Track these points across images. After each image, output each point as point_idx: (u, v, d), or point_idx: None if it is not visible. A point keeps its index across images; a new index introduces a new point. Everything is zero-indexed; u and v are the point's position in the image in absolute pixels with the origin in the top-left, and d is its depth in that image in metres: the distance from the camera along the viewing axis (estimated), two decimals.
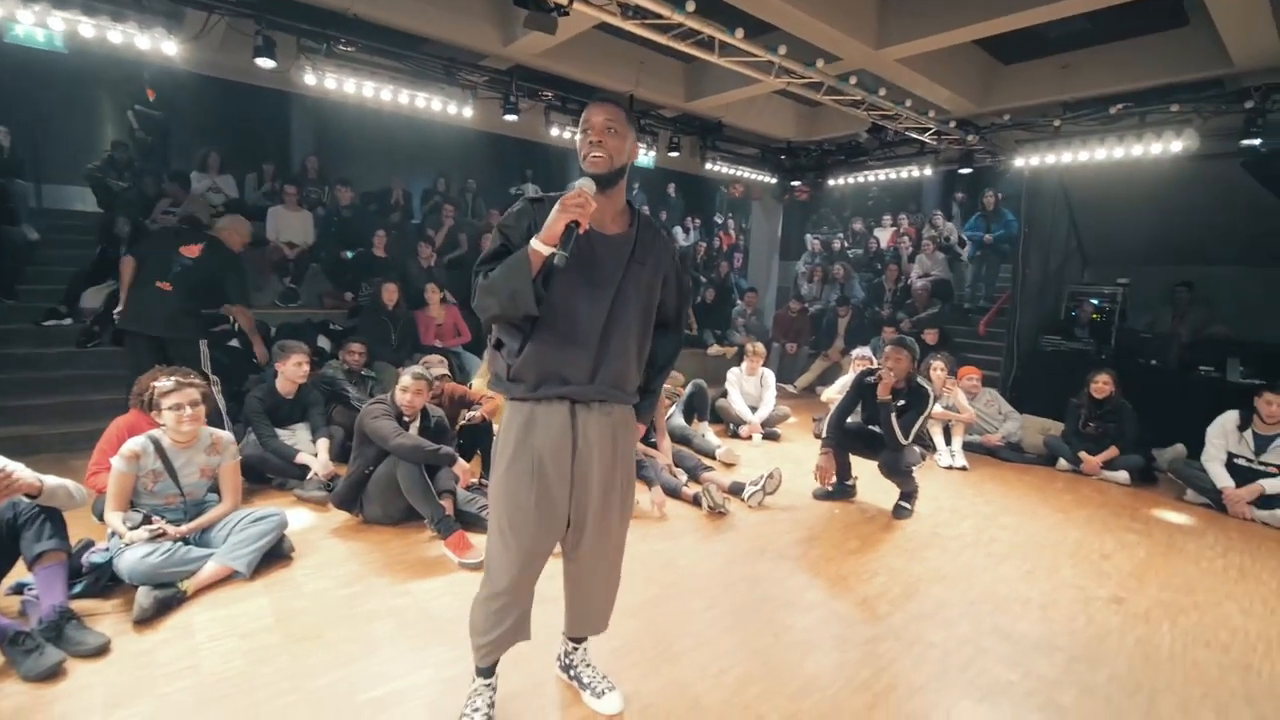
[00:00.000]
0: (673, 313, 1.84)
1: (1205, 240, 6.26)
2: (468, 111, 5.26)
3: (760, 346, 5.75)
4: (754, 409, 5.65)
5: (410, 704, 1.91)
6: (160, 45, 3.94)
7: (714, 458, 4.70)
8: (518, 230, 1.60)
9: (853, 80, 4.89)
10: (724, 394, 5.75)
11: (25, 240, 5.41)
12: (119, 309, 3.87)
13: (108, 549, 2.42)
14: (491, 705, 1.81)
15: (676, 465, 4.17)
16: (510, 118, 5.40)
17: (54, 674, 1.93)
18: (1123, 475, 4.76)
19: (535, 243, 1.50)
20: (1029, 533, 3.65)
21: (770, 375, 5.82)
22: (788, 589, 2.80)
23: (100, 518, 2.63)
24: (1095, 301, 6.53)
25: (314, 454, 3.62)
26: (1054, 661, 2.32)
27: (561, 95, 5.76)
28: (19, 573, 2.26)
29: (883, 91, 5.09)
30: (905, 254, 8.77)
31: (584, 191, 1.50)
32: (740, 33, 3.92)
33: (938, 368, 5.18)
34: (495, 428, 3.73)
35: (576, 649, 2.00)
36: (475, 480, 3.48)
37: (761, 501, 3.83)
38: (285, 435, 3.71)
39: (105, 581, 2.39)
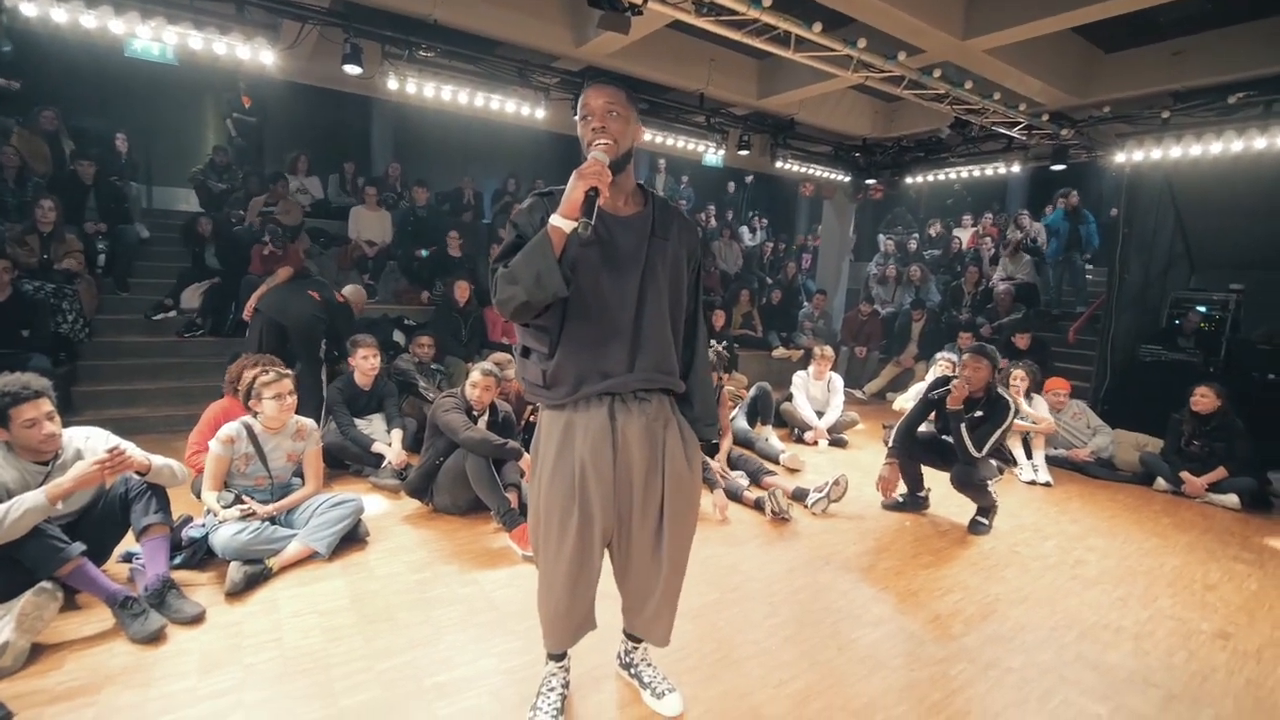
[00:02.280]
0: (692, 303, 1.72)
1: None
2: (540, 113, 5.35)
3: (829, 350, 5.58)
4: (820, 414, 5.49)
5: (474, 691, 1.95)
6: (259, 55, 4.21)
7: (777, 462, 4.60)
8: (530, 225, 1.55)
9: (936, 73, 4.66)
10: (789, 398, 5.62)
11: (138, 238, 5.91)
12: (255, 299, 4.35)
13: (204, 525, 2.61)
14: (566, 685, 1.86)
15: (735, 469, 4.10)
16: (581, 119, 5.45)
17: (156, 638, 2.10)
18: (1232, 499, 4.33)
19: (555, 219, 1.44)
20: (1121, 556, 3.38)
21: (839, 380, 5.64)
22: (853, 601, 2.70)
23: (198, 495, 2.83)
24: (1203, 309, 5.98)
25: (389, 444, 3.78)
26: (1149, 698, 2.13)
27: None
28: (128, 543, 2.46)
29: (969, 85, 4.84)
30: (987, 255, 8.32)
31: (598, 160, 1.45)
32: (818, 26, 3.80)
33: (1019, 377, 4.87)
34: None
35: (636, 647, 1.97)
36: None
37: (826, 509, 3.72)
38: (363, 425, 3.89)
39: (201, 555, 2.58)
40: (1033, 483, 4.66)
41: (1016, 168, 6.60)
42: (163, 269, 5.90)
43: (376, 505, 3.41)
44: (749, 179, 10.27)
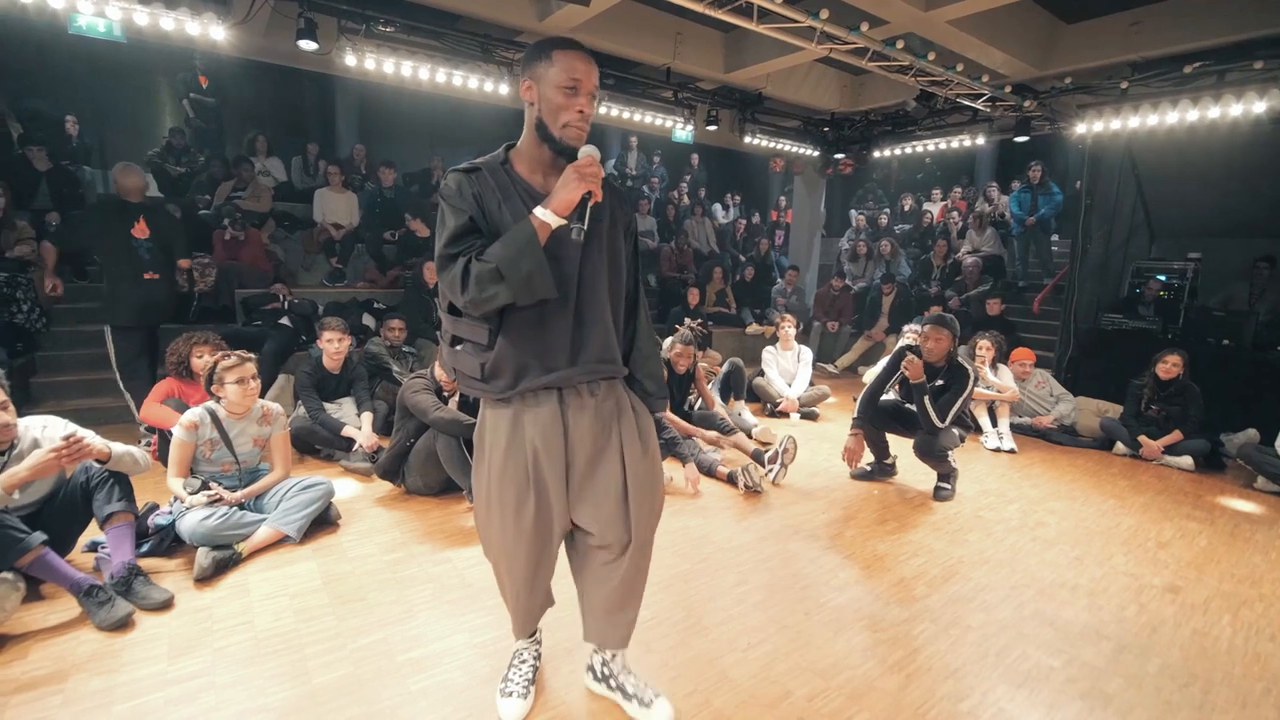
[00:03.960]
0: (631, 277, 1.62)
1: None
2: (504, 89, 5.26)
3: (789, 317, 5.67)
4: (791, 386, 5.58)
5: (445, 666, 1.98)
6: (209, 30, 4.06)
7: (750, 436, 4.67)
8: (465, 203, 1.41)
9: (900, 44, 4.67)
10: (761, 374, 5.69)
11: None
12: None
13: (170, 512, 2.58)
14: (538, 657, 1.89)
15: (709, 427, 4.19)
16: None
17: (124, 624, 2.09)
18: (1186, 460, 4.51)
19: (543, 212, 1.33)
20: (1080, 518, 3.51)
21: (808, 352, 5.74)
22: (821, 567, 2.77)
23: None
24: (1163, 278, 6.16)
25: (359, 427, 3.75)
26: (1100, 650, 2.24)
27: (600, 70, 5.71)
28: (92, 532, 2.43)
29: (932, 56, 4.85)
30: (955, 229, 8.44)
31: (594, 159, 1.36)
32: None
33: (984, 347, 4.98)
34: None
35: (615, 655, 1.80)
36: None
37: (780, 477, 3.77)
38: (332, 409, 3.86)
39: (169, 542, 2.56)
40: (998, 450, 4.81)
41: (981, 140, 6.67)
42: None
43: (348, 489, 3.40)
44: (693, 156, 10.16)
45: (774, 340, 5.91)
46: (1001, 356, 5.15)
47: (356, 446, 3.66)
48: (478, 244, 1.38)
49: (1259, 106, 4.59)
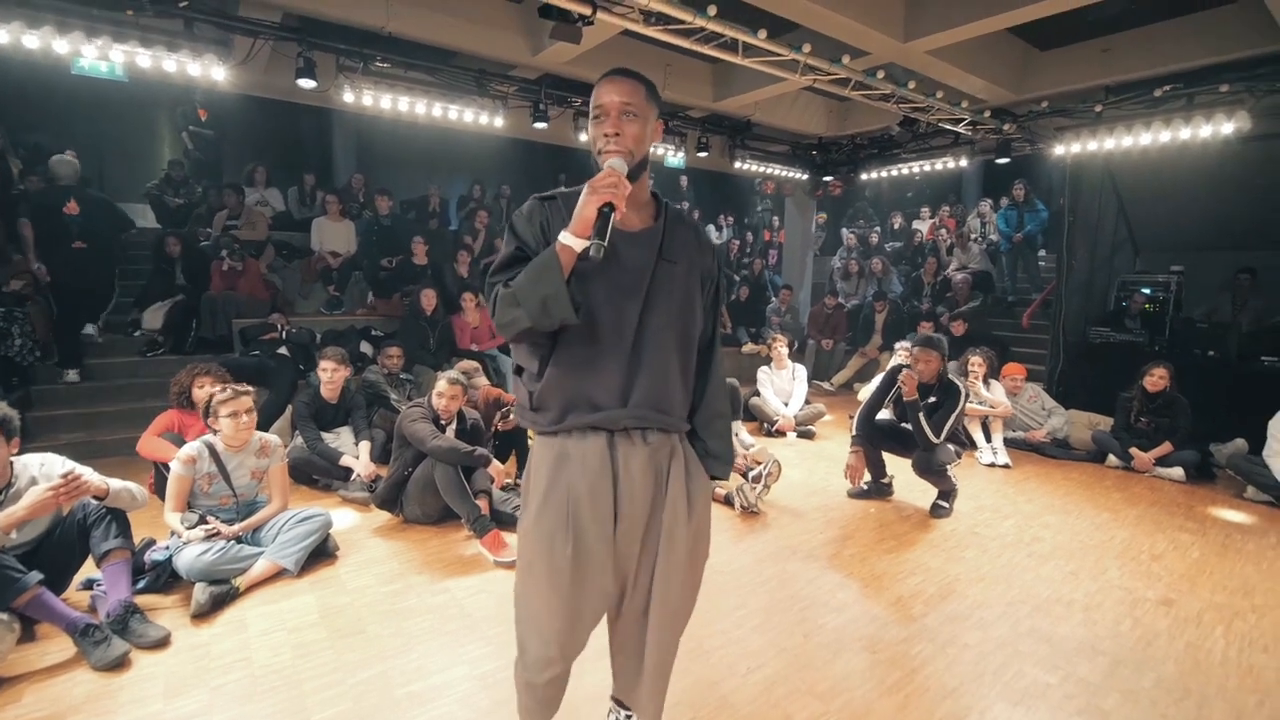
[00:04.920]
0: (708, 330, 1.51)
1: (1268, 223, 5.93)
2: (499, 121, 5.38)
3: (781, 337, 5.73)
4: (787, 405, 5.61)
5: (445, 699, 1.98)
6: (210, 71, 4.16)
7: (747, 456, 4.68)
8: (530, 232, 1.38)
9: (880, 74, 4.81)
10: (756, 393, 5.73)
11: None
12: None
13: (168, 547, 2.58)
14: None
15: None
16: (540, 125, 5.50)
17: (120, 664, 2.08)
18: (1177, 472, 4.56)
19: (565, 236, 1.27)
20: (1074, 532, 3.54)
21: (802, 370, 5.79)
22: (819, 588, 2.79)
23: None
24: (1147, 291, 6.26)
25: (356, 456, 3.76)
26: (1096, 665, 2.25)
27: (589, 101, 5.83)
28: (88, 569, 2.43)
29: (912, 85, 5.00)
30: (944, 246, 8.58)
31: (614, 170, 1.27)
32: (763, 33, 3.91)
33: (976, 363, 5.05)
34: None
35: (631, 716, 1.67)
36: (510, 480, 3.57)
37: (759, 498, 3.71)
38: (330, 438, 3.87)
39: (166, 578, 2.56)
40: (992, 465, 4.85)
41: (964, 162, 6.82)
42: (123, 287, 5.76)
43: (346, 519, 3.40)
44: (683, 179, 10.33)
45: (769, 360, 5.97)
46: (993, 372, 5.22)
47: (354, 476, 3.67)
48: (518, 272, 1.33)
49: (1227, 127, 4.74)
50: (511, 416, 3.84)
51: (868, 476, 3.97)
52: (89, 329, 5.13)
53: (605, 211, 1.25)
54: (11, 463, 2.22)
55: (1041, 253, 8.10)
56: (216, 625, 2.36)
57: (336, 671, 2.10)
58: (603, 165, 1.32)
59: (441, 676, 2.08)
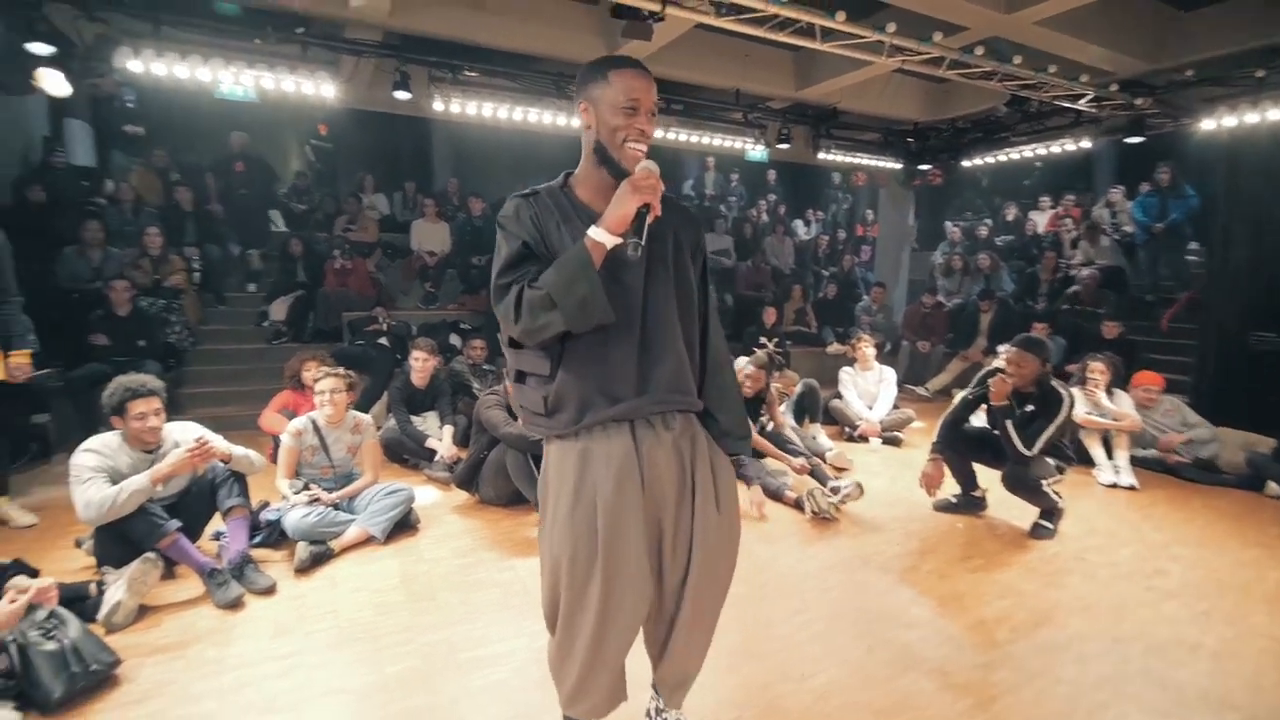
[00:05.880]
0: (702, 301, 1.50)
1: None
2: (575, 121, 5.54)
3: (866, 337, 5.42)
4: (871, 409, 5.34)
5: (502, 667, 2.11)
6: (322, 88, 4.65)
7: (824, 460, 4.52)
8: (525, 229, 1.35)
9: (979, 50, 4.48)
10: (838, 395, 5.50)
11: (232, 256, 6.58)
12: None
13: (278, 509, 2.95)
14: None
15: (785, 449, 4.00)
16: None
17: (236, 604, 2.41)
18: None
19: (597, 232, 1.25)
20: (1211, 568, 3.01)
21: (890, 372, 5.46)
22: (890, 602, 2.60)
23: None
24: None
25: (441, 439, 4.06)
26: None
27: (666, 97, 5.89)
28: (217, 523, 2.82)
29: (1018, 59, 4.61)
30: (1067, 240, 7.76)
31: (653, 172, 1.28)
32: (842, 15, 3.78)
33: (1097, 370, 4.45)
34: None
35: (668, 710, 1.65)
36: None
37: (832, 507, 3.50)
38: (419, 421, 4.21)
39: (276, 536, 2.92)
40: (1114, 485, 4.23)
41: (1087, 143, 6.18)
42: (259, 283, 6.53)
43: (429, 496, 3.68)
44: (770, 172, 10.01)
45: (853, 361, 5.70)
46: (1119, 380, 4.58)
47: (438, 457, 3.97)
48: (532, 270, 1.31)
49: None
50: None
51: (955, 488, 3.64)
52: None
53: (643, 211, 1.26)
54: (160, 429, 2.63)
55: (1193, 245, 7.03)
56: (314, 580, 2.66)
57: (409, 630, 2.30)
58: (615, 153, 1.34)
59: (502, 646, 2.21)
